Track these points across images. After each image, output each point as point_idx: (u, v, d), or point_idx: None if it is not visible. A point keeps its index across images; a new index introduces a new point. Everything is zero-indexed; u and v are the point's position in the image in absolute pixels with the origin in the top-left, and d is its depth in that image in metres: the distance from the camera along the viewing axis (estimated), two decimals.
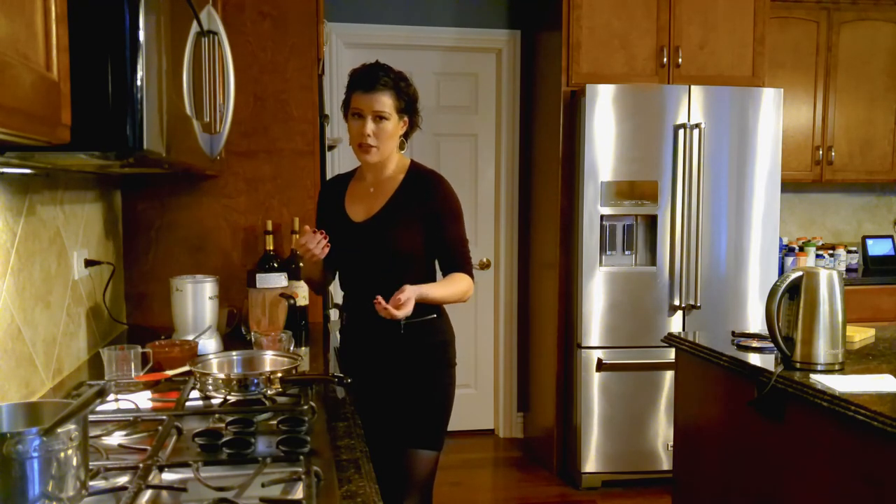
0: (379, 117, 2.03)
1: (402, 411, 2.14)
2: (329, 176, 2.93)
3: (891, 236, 4.63)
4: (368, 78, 2.04)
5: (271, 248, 2.64)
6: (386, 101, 2.03)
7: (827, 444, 1.81)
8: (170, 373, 1.86)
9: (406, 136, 2.15)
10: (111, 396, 1.65)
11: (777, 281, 2.00)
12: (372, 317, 1.98)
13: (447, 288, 2.10)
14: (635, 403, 3.62)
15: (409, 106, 2.09)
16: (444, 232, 2.12)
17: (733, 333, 2.40)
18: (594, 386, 3.60)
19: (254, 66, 2.70)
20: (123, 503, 1.08)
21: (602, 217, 3.54)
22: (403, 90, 2.07)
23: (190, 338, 2.16)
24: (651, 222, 3.60)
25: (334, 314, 2.94)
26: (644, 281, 3.60)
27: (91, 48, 1.15)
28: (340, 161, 4.20)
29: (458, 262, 2.13)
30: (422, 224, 2.10)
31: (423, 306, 2.05)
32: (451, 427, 2.26)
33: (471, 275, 2.15)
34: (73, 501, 0.99)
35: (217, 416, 1.51)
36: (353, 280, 2.21)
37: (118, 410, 1.60)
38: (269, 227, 2.65)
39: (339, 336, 2.33)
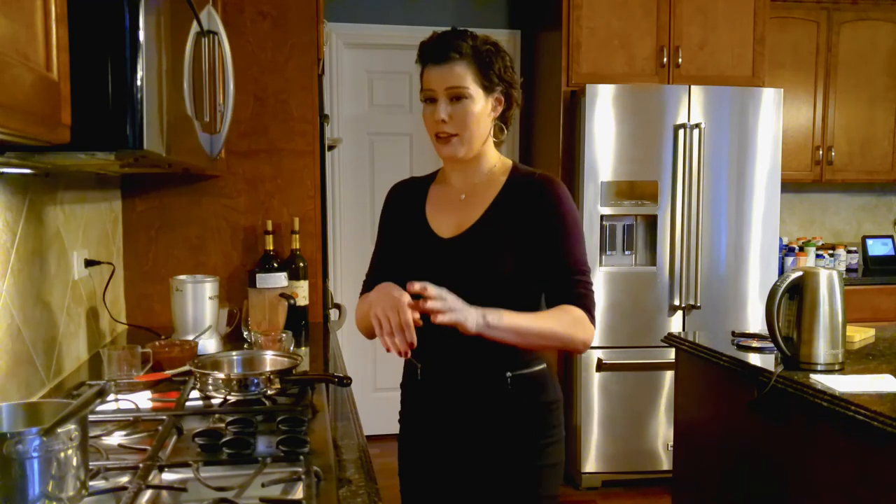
0: (456, 97, 1.53)
1: (498, 494, 1.60)
2: (329, 177, 2.83)
3: (891, 236, 4.63)
4: (439, 47, 1.54)
5: (271, 248, 2.64)
6: (462, 74, 1.52)
7: (827, 444, 1.81)
8: (170, 373, 1.86)
9: (504, 119, 1.64)
10: (111, 396, 1.65)
11: (777, 281, 2.00)
12: (462, 366, 1.58)
13: (542, 321, 1.50)
14: (635, 403, 3.62)
15: (498, 78, 1.57)
16: (554, 250, 1.55)
17: (733, 333, 2.40)
18: (594, 386, 3.60)
19: (254, 66, 2.70)
20: (123, 503, 1.08)
21: (602, 217, 3.54)
22: (488, 57, 1.55)
23: (190, 338, 2.16)
24: (651, 222, 3.60)
25: (334, 314, 2.94)
26: (644, 281, 3.59)
27: (91, 48, 1.15)
28: (341, 162, 4.21)
29: (571, 290, 1.53)
30: (532, 242, 1.55)
31: (526, 353, 1.58)
32: None
33: (589, 312, 1.53)
34: (73, 501, 0.99)
35: (217, 416, 1.51)
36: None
37: (118, 410, 1.60)
38: (269, 227, 2.65)
39: (402, 392, 1.75)
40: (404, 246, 1.66)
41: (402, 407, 1.75)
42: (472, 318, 1.39)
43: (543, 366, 1.63)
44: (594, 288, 1.56)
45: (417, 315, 1.37)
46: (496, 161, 1.65)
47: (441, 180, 1.71)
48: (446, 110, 1.53)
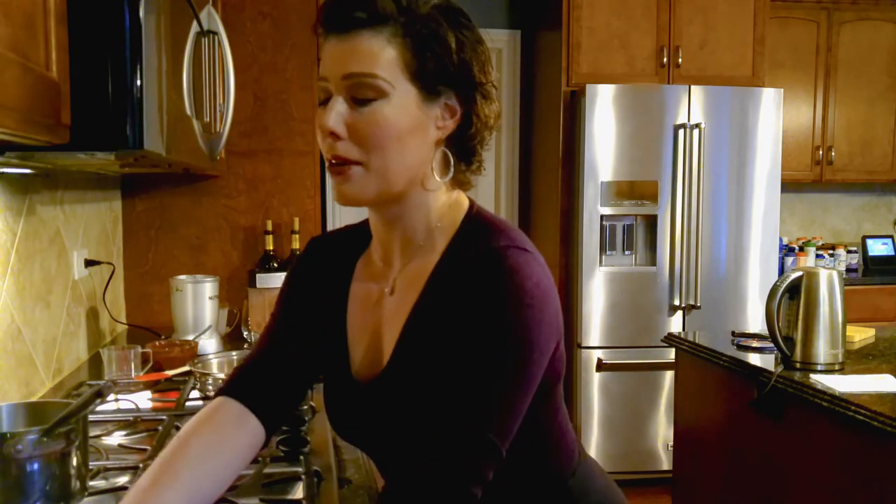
0: (360, 95, 0.88)
1: None
2: (329, 177, 2.70)
3: (891, 236, 4.63)
4: (344, 3, 0.88)
5: (271, 248, 2.64)
6: (376, 53, 0.87)
7: (827, 444, 1.81)
8: (170, 373, 1.86)
9: (462, 146, 0.95)
10: (111, 396, 1.65)
11: (777, 281, 2.00)
12: None
13: None
14: (635, 403, 3.62)
15: (451, 67, 0.90)
16: (450, 383, 0.87)
17: (733, 333, 2.40)
18: (594, 386, 3.60)
19: (254, 66, 2.70)
20: None
21: (602, 217, 3.54)
22: (434, 27, 0.88)
23: (190, 338, 2.16)
24: (651, 222, 3.60)
25: None
26: (644, 281, 3.59)
27: (91, 48, 1.15)
28: None
29: (420, 461, 0.85)
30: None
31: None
32: None
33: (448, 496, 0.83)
34: (73, 501, 0.99)
35: None
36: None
37: (118, 410, 1.60)
38: (269, 227, 2.65)
39: None
40: (315, 361, 1.08)
41: None
42: None
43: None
44: (498, 453, 0.85)
45: None
46: (442, 215, 0.96)
47: (372, 249, 1.05)
48: (342, 115, 0.88)
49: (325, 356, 1.06)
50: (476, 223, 0.95)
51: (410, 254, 0.97)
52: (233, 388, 1.04)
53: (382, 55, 0.86)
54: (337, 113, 0.87)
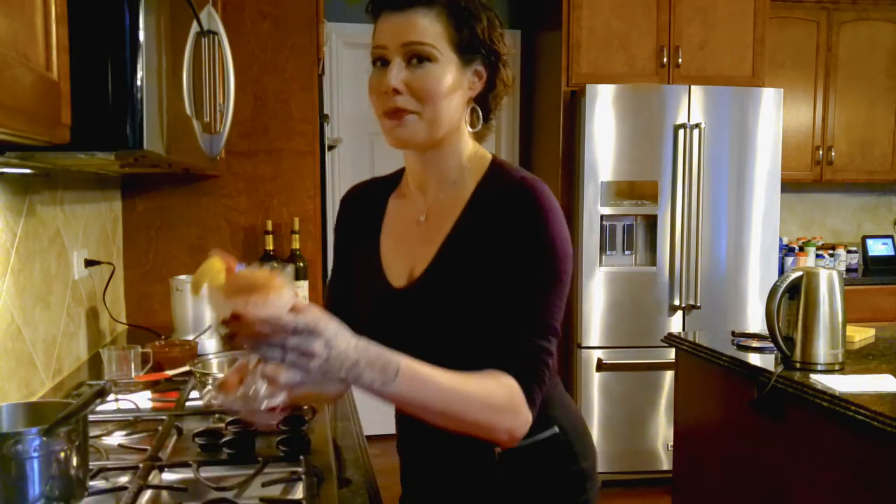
0: (417, 57, 1.08)
1: None
2: (329, 177, 2.69)
3: (891, 236, 4.63)
4: None
5: (271, 248, 2.64)
6: (428, 28, 1.08)
7: (827, 444, 1.81)
8: (170, 373, 1.86)
9: (485, 104, 1.17)
10: (111, 396, 1.65)
11: (777, 281, 2.00)
12: (434, 443, 1.18)
13: (455, 390, 0.97)
14: (635, 403, 3.62)
15: (480, 41, 1.12)
16: (508, 292, 1.06)
17: (733, 333, 2.40)
18: (594, 386, 3.60)
19: (254, 66, 2.70)
20: (123, 503, 1.08)
21: (602, 217, 3.54)
22: (469, 10, 1.11)
23: (190, 338, 2.16)
24: (651, 222, 3.60)
25: None
26: (644, 281, 3.59)
27: (91, 48, 1.15)
28: (341, 162, 4.21)
29: (515, 353, 1.04)
30: (496, 285, 1.08)
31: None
32: None
33: (530, 391, 1.03)
34: (73, 501, 0.99)
35: (217, 416, 1.51)
36: None
37: (118, 410, 1.60)
38: (269, 227, 2.65)
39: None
40: (356, 286, 1.24)
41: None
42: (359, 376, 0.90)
43: (555, 430, 1.17)
44: (553, 351, 1.09)
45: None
46: (470, 158, 1.17)
47: (402, 190, 1.25)
48: (401, 75, 1.08)
49: (362, 275, 1.23)
50: (500, 166, 1.18)
51: (444, 189, 1.17)
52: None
53: (432, 29, 1.08)
54: (397, 74, 1.07)
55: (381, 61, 1.10)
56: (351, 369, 0.89)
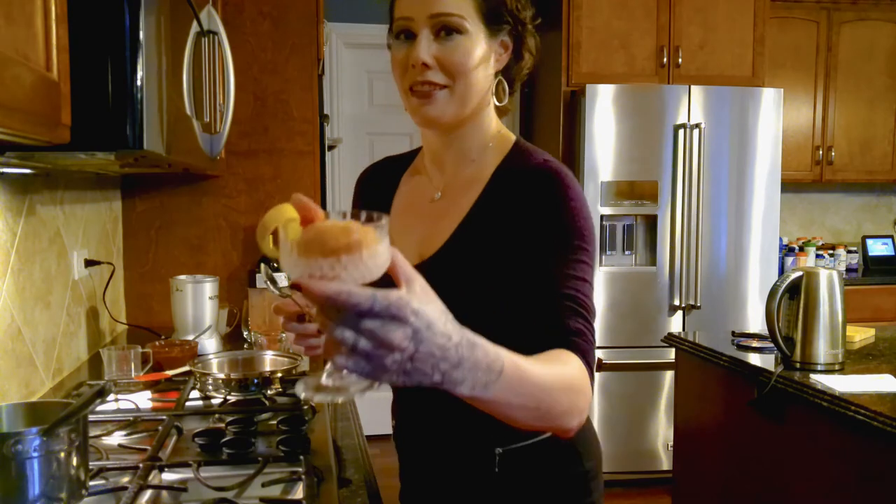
0: (446, 29, 1.04)
1: None
2: (329, 177, 2.73)
3: (891, 236, 4.63)
4: None
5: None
6: (458, 0, 1.04)
7: (827, 444, 1.81)
8: (170, 373, 1.86)
9: (510, 76, 1.14)
10: (111, 396, 1.65)
11: (777, 281, 2.00)
12: (437, 432, 1.16)
13: (543, 378, 0.82)
14: (635, 403, 3.62)
15: (507, 12, 1.09)
16: (543, 270, 1.00)
17: (733, 333, 2.40)
18: (594, 386, 3.60)
19: (254, 66, 2.70)
20: (123, 503, 1.08)
21: (602, 217, 3.54)
22: None
23: (190, 338, 2.16)
24: (651, 222, 3.60)
25: None
26: (644, 281, 3.59)
27: (91, 48, 1.15)
28: (341, 162, 4.21)
29: (565, 326, 0.96)
30: (519, 268, 1.03)
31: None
32: None
33: (587, 360, 0.96)
34: (73, 501, 0.99)
35: (217, 416, 1.52)
36: None
37: (118, 410, 1.60)
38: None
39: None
40: None
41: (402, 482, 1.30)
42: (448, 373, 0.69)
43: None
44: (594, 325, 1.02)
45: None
46: (494, 136, 1.14)
47: (417, 166, 1.23)
48: (430, 49, 1.03)
49: None
50: (524, 147, 1.13)
51: (464, 166, 1.14)
52: None
53: (462, 1, 1.03)
54: (427, 47, 1.03)
55: (405, 34, 1.06)
56: (449, 373, 0.67)
